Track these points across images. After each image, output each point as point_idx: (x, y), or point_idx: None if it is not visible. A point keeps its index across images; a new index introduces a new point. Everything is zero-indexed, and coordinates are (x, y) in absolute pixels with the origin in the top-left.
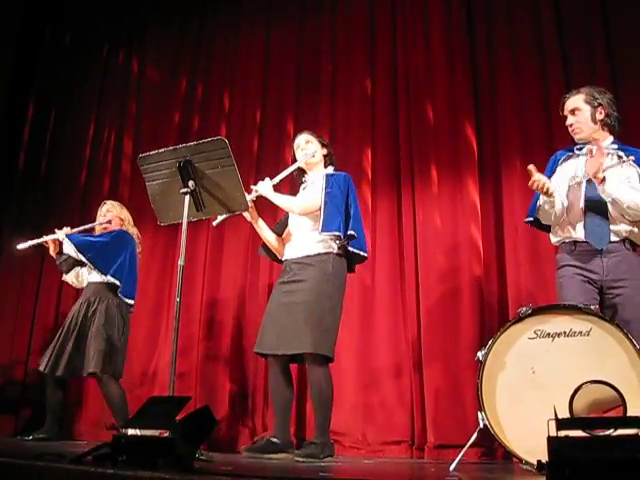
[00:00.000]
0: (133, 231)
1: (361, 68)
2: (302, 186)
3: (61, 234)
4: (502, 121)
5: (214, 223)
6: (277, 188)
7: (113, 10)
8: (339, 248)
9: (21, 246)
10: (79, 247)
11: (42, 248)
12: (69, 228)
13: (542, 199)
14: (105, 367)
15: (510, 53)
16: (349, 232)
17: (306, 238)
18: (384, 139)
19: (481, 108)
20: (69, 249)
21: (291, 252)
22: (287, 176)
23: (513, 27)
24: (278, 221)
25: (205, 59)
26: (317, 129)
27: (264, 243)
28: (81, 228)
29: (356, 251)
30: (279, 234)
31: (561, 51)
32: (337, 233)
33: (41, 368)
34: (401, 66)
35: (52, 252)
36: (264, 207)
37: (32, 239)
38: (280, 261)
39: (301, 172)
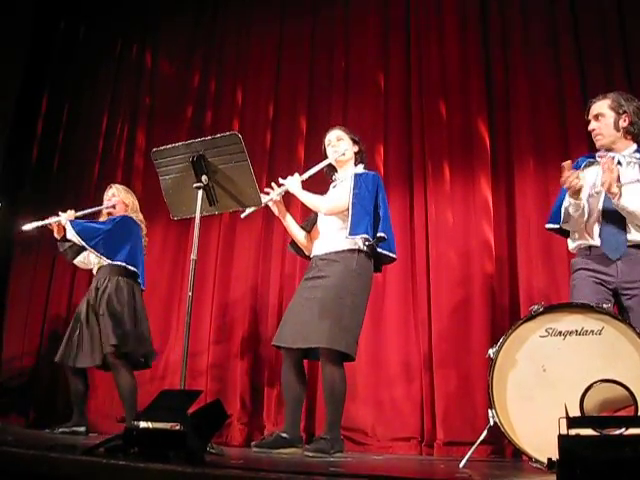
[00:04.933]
0: (137, 215)
1: (374, 64)
2: (332, 184)
3: (64, 218)
4: (515, 118)
5: (242, 215)
6: (305, 183)
7: (126, 4)
8: (367, 247)
9: (26, 227)
10: (81, 234)
11: (54, 245)
12: (73, 211)
13: (567, 201)
14: (117, 347)
15: (525, 50)
16: (379, 234)
17: (334, 235)
18: (397, 135)
19: (495, 105)
20: (72, 236)
21: (318, 249)
22: (317, 172)
23: (528, 24)
24: (307, 217)
25: (218, 53)
26: (329, 125)
27: (293, 240)
28: (86, 212)
29: (385, 253)
30: (308, 231)
31: (576, 49)
32: (365, 236)
33: (57, 359)
34: (414, 62)
35: (56, 235)
36: (297, 202)
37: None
38: (307, 257)
39: (332, 169)
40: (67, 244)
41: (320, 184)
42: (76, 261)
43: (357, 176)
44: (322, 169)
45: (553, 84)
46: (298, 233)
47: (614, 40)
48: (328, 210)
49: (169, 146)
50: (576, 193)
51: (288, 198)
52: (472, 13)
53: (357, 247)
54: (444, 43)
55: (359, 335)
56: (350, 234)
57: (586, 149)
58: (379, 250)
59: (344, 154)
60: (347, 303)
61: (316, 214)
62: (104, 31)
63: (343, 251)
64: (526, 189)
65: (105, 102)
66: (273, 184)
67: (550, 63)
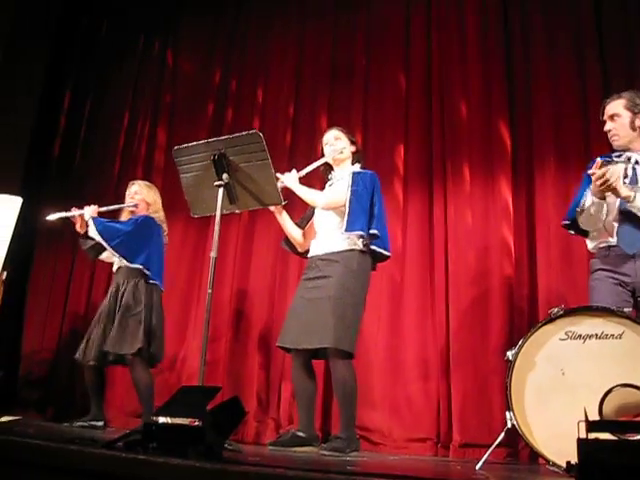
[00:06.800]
0: (158, 216)
1: (395, 64)
2: (328, 183)
3: (87, 213)
4: (537, 120)
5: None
6: (303, 182)
7: (148, 1)
8: (364, 245)
9: (50, 217)
10: (103, 234)
11: (75, 240)
12: (96, 207)
13: (590, 200)
14: (132, 348)
15: (546, 51)
16: (371, 231)
17: (331, 235)
18: (417, 136)
19: (516, 106)
20: (94, 234)
21: (316, 249)
22: (314, 171)
23: (550, 25)
24: (302, 215)
25: (239, 52)
26: (350, 124)
27: (286, 237)
28: (110, 208)
29: (379, 250)
30: (302, 228)
31: (599, 51)
32: (360, 232)
33: (76, 356)
34: (435, 63)
35: (78, 229)
36: (296, 201)
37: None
38: (301, 254)
39: (328, 168)
40: (89, 242)
41: (317, 184)
42: (101, 255)
43: (355, 174)
44: (319, 168)
45: (576, 86)
46: (293, 230)
47: (638, 43)
48: (325, 205)
49: (190, 144)
50: (603, 192)
51: (291, 197)
52: (494, 14)
53: (356, 247)
54: (465, 44)
55: (358, 333)
56: (346, 230)
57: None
58: (373, 247)
59: (342, 152)
60: (349, 302)
61: (312, 212)
62: (126, 28)
63: (343, 251)
64: (547, 191)
65: (126, 99)
66: None
67: (573, 65)
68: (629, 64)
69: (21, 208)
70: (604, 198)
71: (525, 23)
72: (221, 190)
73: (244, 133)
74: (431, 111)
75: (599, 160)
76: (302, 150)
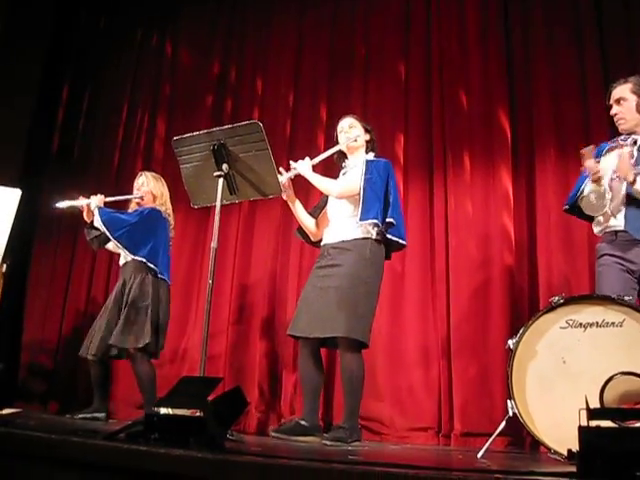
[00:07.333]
0: (165, 208)
1: (395, 53)
2: (342, 171)
3: (93, 202)
4: (536, 108)
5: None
6: (315, 170)
7: None
8: (377, 234)
9: (59, 205)
10: (107, 224)
11: (75, 232)
12: (102, 196)
13: (589, 188)
14: (137, 342)
15: (546, 39)
16: (388, 219)
17: (345, 223)
18: (417, 125)
19: (515, 94)
20: (99, 224)
21: (329, 237)
22: (326, 159)
23: (550, 11)
24: (316, 204)
25: (238, 42)
26: (349, 113)
27: (300, 226)
28: (116, 198)
29: (395, 239)
30: (315, 217)
31: (599, 37)
32: (375, 221)
33: (80, 353)
34: (435, 51)
35: (86, 217)
36: (299, 187)
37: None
38: (314, 244)
39: (342, 156)
40: (94, 233)
41: (330, 172)
42: (107, 245)
43: (369, 162)
44: (332, 155)
45: (575, 75)
46: (306, 219)
47: (638, 32)
48: (339, 193)
49: (190, 134)
50: (597, 180)
51: (294, 183)
52: (494, 1)
53: (370, 235)
54: (465, 32)
55: (372, 322)
56: (361, 219)
57: (608, 140)
58: (389, 236)
59: (356, 140)
60: (361, 291)
61: (325, 201)
62: (124, 20)
63: (356, 239)
64: (547, 180)
65: (125, 91)
66: (281, 169)
67: (573, 53)
68: (629, 53)
69: (20, 200)
70: (600, 185)
71: (525, 10)
72: (221, 180)
73: (244, 123)
74: (431, 100)
75: (582, 152)
76: (302, 140)
